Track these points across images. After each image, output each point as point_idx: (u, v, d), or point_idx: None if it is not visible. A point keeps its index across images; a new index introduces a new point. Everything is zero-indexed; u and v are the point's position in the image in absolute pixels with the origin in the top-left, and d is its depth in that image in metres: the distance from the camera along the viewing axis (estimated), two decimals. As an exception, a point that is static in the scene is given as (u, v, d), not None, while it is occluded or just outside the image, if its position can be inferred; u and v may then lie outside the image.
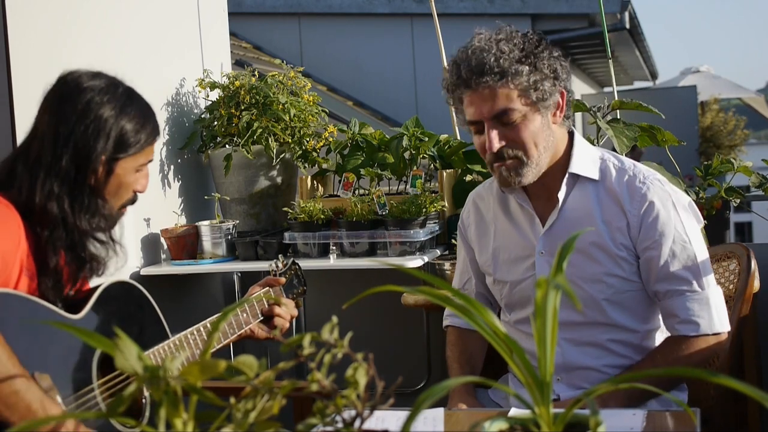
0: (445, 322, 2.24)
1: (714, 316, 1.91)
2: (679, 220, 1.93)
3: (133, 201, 1.90)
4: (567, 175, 1.96)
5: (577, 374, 1.99)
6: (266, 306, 2.11)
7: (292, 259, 2.30)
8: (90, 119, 1.77)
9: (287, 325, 2.14)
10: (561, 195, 1.97)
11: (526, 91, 1.86)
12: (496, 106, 1.86)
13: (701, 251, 1.94)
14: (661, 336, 2.03)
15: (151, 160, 1.90)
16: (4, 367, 1.51)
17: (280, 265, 2.25)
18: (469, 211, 2.18)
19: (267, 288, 2.18)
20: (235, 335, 2.04)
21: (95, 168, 1.78)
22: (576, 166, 1.96)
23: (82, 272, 1.82)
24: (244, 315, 2.07)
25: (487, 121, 1.88)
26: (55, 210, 1.75)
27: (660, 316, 2.01)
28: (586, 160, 1.98)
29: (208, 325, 1.96)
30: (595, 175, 1.97)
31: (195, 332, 1.92)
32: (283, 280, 2.20)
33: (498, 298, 2.14)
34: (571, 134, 2.00)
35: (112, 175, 1.81)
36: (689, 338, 1.91)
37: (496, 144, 1.88)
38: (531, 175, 1.92)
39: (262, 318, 2.11)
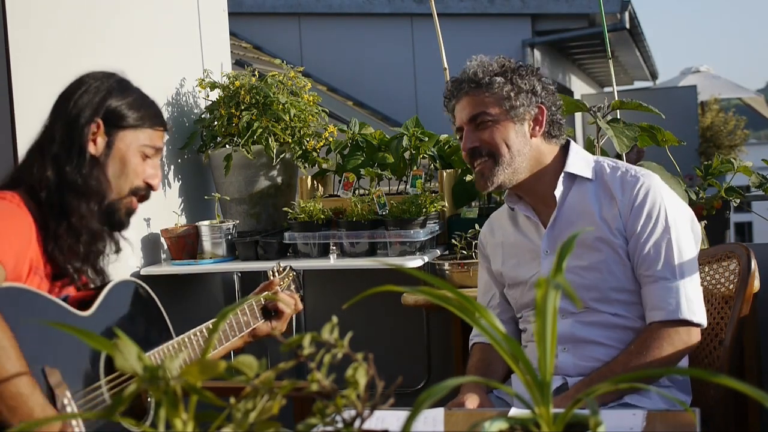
0: (472, 341, 2.27)
1: (683, 304, 1.94)
2: (664, 208, 2.00)
3: (144, 194, 1.95)
4: (563, 175, 2.07)
5: (583, 347, 2.03)
6: (263, 303, 2.12)
7: (289, 265, 2.32)
8: (78, 95, 1.86)
9: (289, 310, 2.15)
10: (558, 193, 2.07)
11: (499, 100, 2.04)
12: (472, 110, 2.06)
13: (685, 243, 2.00)
14: None
15: (159, 149, 1.94)
16: (12, 368, 1.51)
17: (277, 272, 2.27)
18: (485, 232, 2.31)
19: (266, 293, 2.20)
20: (237, 338, 2.05)
21: (87, 132, 1.84)
22: (571, 166, 2.08)
23: (79, 241, 1.84)
24: (245, 318, 2.08)
25: (466, 125, 2.07)
26: (50, 172, 1.82)
27: None
28: (581, 162, 2.11)
29: (210, 326, 1.96)
30: (589, 175, 2.08)
31: (198, 333, 1.93)
32: (277, 280, 2.21)
33: (514, 306, 2.21)
34: (566, 144, 2.12)
35: (113, 147, 1.87)
36: (657, 326, 1.96)
37: (469, 143, 2.06)
38: (504, 175, 2.05)
39: (262, 321, 2.13)
